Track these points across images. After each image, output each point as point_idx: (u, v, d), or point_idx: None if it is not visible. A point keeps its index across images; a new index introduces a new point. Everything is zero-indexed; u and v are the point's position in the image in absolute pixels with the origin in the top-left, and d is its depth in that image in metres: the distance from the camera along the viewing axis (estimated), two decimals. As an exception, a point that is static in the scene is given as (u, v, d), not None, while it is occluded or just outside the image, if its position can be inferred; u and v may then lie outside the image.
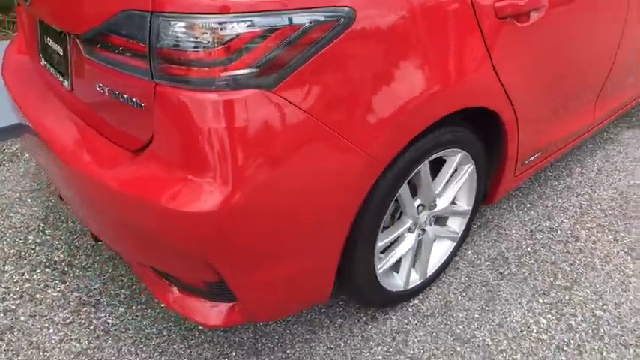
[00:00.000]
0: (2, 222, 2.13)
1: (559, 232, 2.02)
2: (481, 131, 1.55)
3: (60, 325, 1.65)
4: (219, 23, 0.98)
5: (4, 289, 1.80)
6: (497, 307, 1.69)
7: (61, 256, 1.95)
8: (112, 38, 1.10)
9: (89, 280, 1.83)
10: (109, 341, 1.59)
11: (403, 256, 1.57)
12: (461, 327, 1.62)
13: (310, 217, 1.17)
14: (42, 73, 1.62)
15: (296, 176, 1.10)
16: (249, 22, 0.98)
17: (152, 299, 1.74)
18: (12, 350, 1.56)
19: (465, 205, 1.69)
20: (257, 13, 0.99)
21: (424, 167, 1.42)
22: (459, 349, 1.55)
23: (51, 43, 1.49)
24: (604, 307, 1.69)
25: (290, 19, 1.01)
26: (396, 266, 1.59)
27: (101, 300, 1.75)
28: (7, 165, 2.54)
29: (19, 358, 1.54)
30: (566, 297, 1.73)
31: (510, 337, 1.59)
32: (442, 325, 1.63)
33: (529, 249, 1.93)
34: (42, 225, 2.11)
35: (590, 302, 1.71)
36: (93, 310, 1.71)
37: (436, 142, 1.37)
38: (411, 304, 1.71)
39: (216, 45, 0.98)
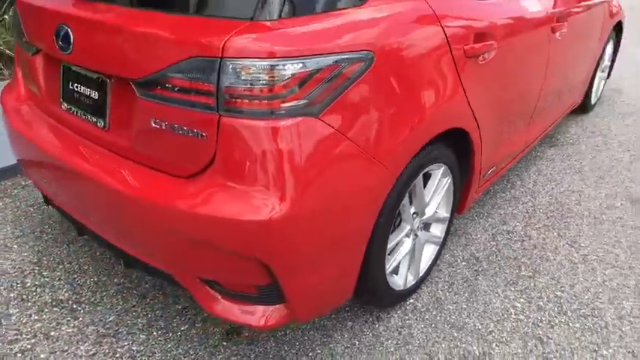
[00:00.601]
0: (5, 265, 2.11)
1: (514, 233, 2.39)
2: (455, 150, 1.87)
3: (84, 358, 1.69)
4: (280, 66, 1.21)
5: (15, 331, 1.80)
6: (479, 298, 1.98)
7: (66, 295, 1.97)
8: (175, 80, 1.28)
9: (102, 314, 1.88)
10: (139, 366, 1.66)
11: (403, 259, 1.82)
12: (454, 317, 1.88)
13: (346, 221, 1.40)
14: (61, 116, 1.72)
15: (335, 186, 1.33)
16: (301, 64, 1.23)
17: (171, 324, 1.83)
18: (41, 386, 1.59)
19: (444, 212, 1.99)
20: (307, 57, 1.23)
21: (419, 180, 1.70)
22: (456, 334, 1.81)
23: (80, 89, 1.62)
24: (562, 289, 2.04)
25: (331, 61, 1.26)
26: (394, 269, 1.83)
27: (120, 330, 1.81)
28: (-19, 215, 2.50)
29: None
30: (532, 284, 2.06)
31: (495, 320, 1.87)
32: (438, 317, 1.88)
33: (494, 249, 2.27)
34: (37, 268, 2.12)
35: (551, 286, 2.05)
36: (114, 340, 1.76)
37: (428, 157, 1.66)
38: (408, 303, 1.95)
39: (276, 83, 1.21)
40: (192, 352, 1.72)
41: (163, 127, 1.35)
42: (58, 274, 2.09)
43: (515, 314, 1.90)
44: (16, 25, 1.93)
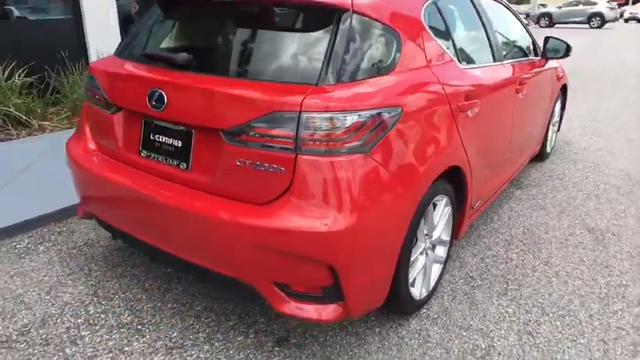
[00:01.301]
0: (55, 300, 2.37)
1: (498, 257, 2.85)
2: (452, 185, 2.35)
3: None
4: (342, 117, 1.67)
5: (91, 349, 2.07)
6: (478, 307, 2.40)
7: (129, 318, 2.26)
8: (259, 129, 1.71)
9: (165, 331, 2.17)
10: (209, 369, 1.96)
11: (418, 274, 2.24)
12: (460, 321, 2.29)
13: (386, 235, 1.82)
14: (139, 162, 2.10)
15: (380, 207, 1.76)
16: (358, 116, 1.70)
17: (228, 336, 2.15)
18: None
19: (446, 236, 2.44)
20: (361, 110, 1.71)
21: (430, 208, 2.16)
22: (464, 333, 2.20)
23: (162, 139, 2.02)
24: (542, 297, 2.49)
25: (377, 114, 1.74)
26: (412, 282, 2.24)
27: (185, 343, 2.11)
28: (26, 257, 2.76)
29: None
30: (518, 294, 2.50)
31: (493, 322, 2.29)
32: (448, 322, 2.28)
33: (484, 269, 2.72)
34: (95, 298, 2.40)
35: (534, 295, 2.50)
36: (182, 351, 2.06)
37: (436, 189, 2.13)
38: (422, 312, 2.34)
39: (339, 130, 1.67)
40: (252, 356, 2.03)
41: (246, 165, 1.76)
42: (116, 302, 2.37)
43: (509, 317, 2.33)
44: (91, 89, 2.33)
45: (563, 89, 4.49)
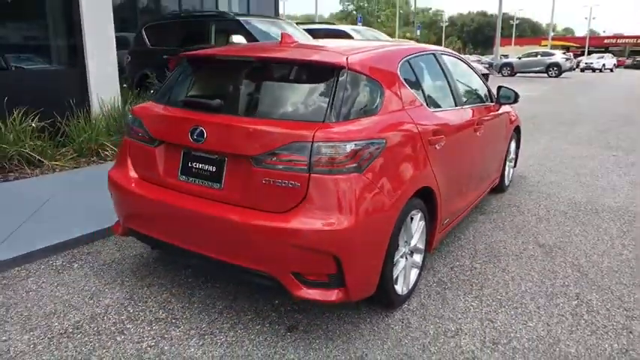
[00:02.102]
0: (98, 303, 2.82)
1: (465, 266, 3.43)
2: (425, 203, 2.94)
3: (196, 347, 2.44)
4: (343, 146, 2.27)
5: (137, 336, 2.52)
6: (449, 302, 2.94)
7: (163, 315, 2.73)
8: (281, 155, 2.29)
9: (195, 324, 2.64)
10: (247, 339, 2.44)
11: (399, 273, 2.79)
12: (434, 312, 2.82)
13: (376, 235, 2.39)
14: (176, 185, 2.64)
15: (372, 212, 2.33)
16: (354, 145, 2.30)
17: (248, 326, 2.63)
18: (172, 363, 2.32)
19: (421, 245, 3.01)
20: (356, 141, 2.31)
21: (408, 219, 2.74)
22: (438, 321, 2.74)
23: (198, 165, 2.57)
24: (500, 295, 3.05)
25: (370, 144, 2.35)
26: (395, 280, 2.78)
27: (213, 331, 2.58)
28: (64, 272, 3.21)
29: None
30: (481, 293, 3.06)
31: (461, 313, 2.83)
32: (425, 313, 2.81)
33: (453, 276, 3.28)
34: (132, 301, 2.86)
35: (493, 293, 3.06)
36: (212, 336, 2.53)
37: (413, 204, 2.71)
38: (403, 306, 2.87)
39: (342, 155, 2.26)
40: (269, 339, 2.52)
41: (270, 183, 2.33)
42: (150, 304, 2.84)
43: (473, 309, 2.88)
44: (134, 127, 2.88)
45: (517, 130, 5.25)
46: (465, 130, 3.50)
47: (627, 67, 52.64)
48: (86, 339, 2.49)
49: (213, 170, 2.53)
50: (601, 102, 15.20)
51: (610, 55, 45.94)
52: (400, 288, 2.80)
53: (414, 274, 2.98)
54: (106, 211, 4.02)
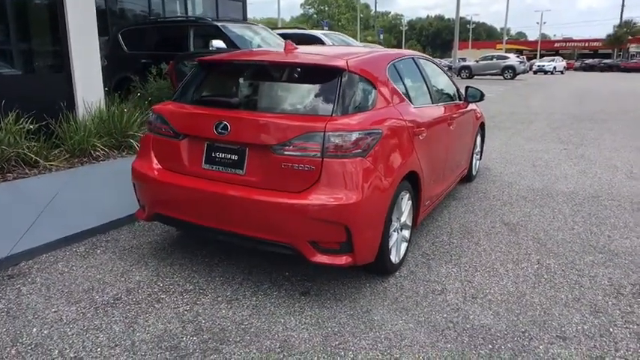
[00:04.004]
0: (130, 280, 3.18)
1: (444, 241, 3.97)
2: (412, 185, 3.45)
3: (226, 310, 2.85)
4: (349, 135, 2.74)
5: (173, 304, 2.91)
6: (433, 269, 3.46)
7: (190, 287, 3.12)
8: (298, 143, 2.74)
9: (221, 292, 3.05)
10: (274, 296, 2.86)
11: (393, 245, 3.28)
12: (422, 277, 3.33)
13: (377, 209, 2.87)
14: (201, 172, 3.04)
15: (374, 189, 2.81)
16: (358, 134, 2.77)
17: (266, 293, 3.05)
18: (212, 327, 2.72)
19: (409, 222, 3.51)
20: (359, 131, 2.79)
21: (399, 198, 3.23)
22: (426, 284, 3.24)
23: (221, 155, 2.98)
24: (475, 262, 3.60)
25: (369, 133, 2.83)
26: (389, 250, 3.26)
27: (238, 297, 2.99)
28: (89, 257, 3.54)
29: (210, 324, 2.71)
30: (459, 262, 3.59)
31: (444, 276, 3.35)
32: (415, 278, 3.31)
33: (434, 249, 3.81)
34: (160, 277, 3.23)
35: (469, 262, 3.60)
36: (238, 301, 2.95)
37: (403, 186, 3.21)
38: (396, 274, 3.37)
39: (348, 142, 2.73)
40: (287, 302, 2.96)
41: (288, 168, 2.77)
42: (176, 279, 3.22)
43: (454, 274, 3.41)
44: (157, 124, 3.25)
45: (482, 126, 5.87)
46: (441, 124, 4.04)
47: (576, 69, 55.63)
48: (128, 307, 2.85)
49: (236, 159, 2.95)
50: (553, 102, 16.33)
51: (560, 58, 48.45)
52: (394, 258, 3.29)
53: (403, 247, 3.48)
54: (113, 204, 4.37)
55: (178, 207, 3.14)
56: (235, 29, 8.73)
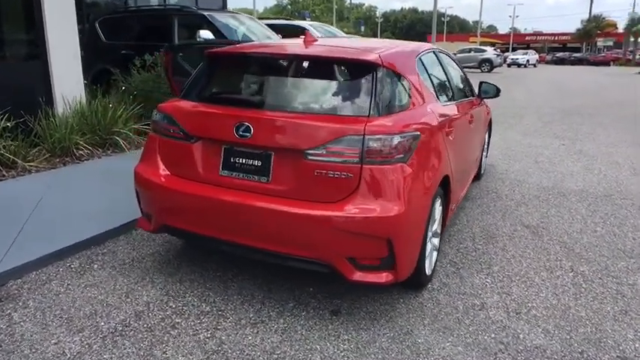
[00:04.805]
0: (137, 301, 2.82)
1: (469, 247, 3.73)
2: (443, 189, 3.19)
3: (252, 335, 2.53)
4: (391, 138, 2.45)
5: (191, 330, 2.57)
6: (466, 280, 3.21)
7: (207, 308, 2.78)
8: (334, 148, 2.43)
9: (243, 313, 2.73)
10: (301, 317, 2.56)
11: (427, 255, 3.01)
12: (457, 290, 3.08)
13: (418, 220, 2.59)
14: (218, 180, 2.70)
15: (415, 198, 2.53)
16: (400, 137, 2.48)
17: (293, 313, 2.75)
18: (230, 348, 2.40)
19: (439, 229, 3.25)
20: (401, 133, 2.49)
21: (435, 205, 2.97)
22: (463, 297, 2.99)
23: (242, 160, 2.65)
24: (507, 271, 3.37)
25: (410, 136, 2.54)
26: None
27: (263, 319, 2.68)
28: (87, 273, 3.16)
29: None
30: (491, 271, 3.36)
31: (480, 289, 3.11)
32: (449, 291, 3.06)
33: (462, 257, 3.57)
34: (171, 297, 2.89)
35: (502, 270, 3.37)
36: (264, 324, 2.63)
37: (438, 191, 2.95)
38: (428, 287, 3.11)
39: (391, 146, 2.44)
40: (318, 323, 2.66)
41: (323, 175, 2.46)
42: (190, 299, 2.88)
43: (489, 285, 3.17)
44: (164, 125, 2.89)
45: (490, 122, 5.66)
46: (464, 123, 3.79)
47: (548, 62, 56.62)
48: (140, 335, 2.51)
49: (259, 164, 2.62)
50: (536, 95, 16.38)
51: (533, 51, 49.21)
52: (427, 269, 3.02)
53: (434, 256, 3.22)
54: (105, 210, 3.97)
55: (191, 218, 2.79)
56: (222, 19, 8.28)
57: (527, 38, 76.29)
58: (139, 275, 3.14)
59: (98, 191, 4.54)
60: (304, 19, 21.85)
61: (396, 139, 2.48)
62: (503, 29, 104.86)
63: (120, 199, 4.28)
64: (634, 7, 63.20)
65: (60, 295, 2.87)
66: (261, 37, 8.49)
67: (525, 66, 43.34)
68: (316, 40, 3.16)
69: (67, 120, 5.96)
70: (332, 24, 61.54)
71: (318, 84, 2.78)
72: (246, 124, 2.58)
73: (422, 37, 78.22)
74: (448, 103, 3.57)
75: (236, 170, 2.68)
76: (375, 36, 75.51)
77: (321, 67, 2.79)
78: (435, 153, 2.88)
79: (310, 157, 2.48)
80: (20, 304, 2.77)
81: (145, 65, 7.68)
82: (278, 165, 2.59)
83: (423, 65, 3.31)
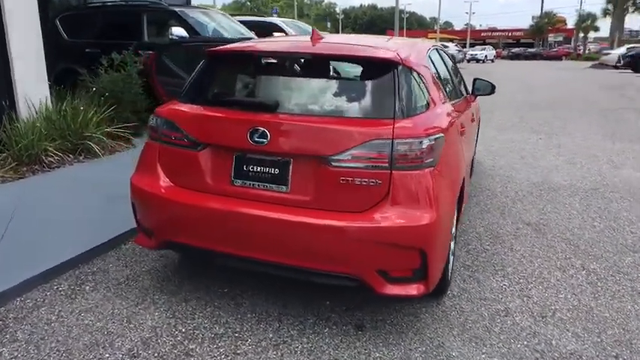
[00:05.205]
0: (141, 326, 2.57)
1: (477, 249, 3.64)
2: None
3: (276, 357, 2.33)
4: (421, 141, 2.29)
5: (208, 356, 2.35)
6: (483, 284, 3.11)
7: (221, 330, 2.56)
8: (360, 153, 2.25)
9: (261, 334, 2.52)
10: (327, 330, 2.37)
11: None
12: (477, 295, 2.97)
13: (448, 226, 2.45)
14: (231, 190, 2.47)
15: (444, 204, 2.39)
16: (428, 140, 2.33)
17: (315, 330, 2.56)
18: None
19: (454, 231, 3.14)
20: (429, 136, 2.34)
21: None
22: (485, 303, 2.89)
23: (257, 169, 2.43)
24: (521, 272, 3.30)
25: (437, 139, 2.39)
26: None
27: (285, 340, 2.48)
28: (78, 297, 2.87)
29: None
30: (505, 272, 3.28)
31: (499, 292, 3.02)
32: (470, 297, 2.95)
33: (473, 258, 3.47)
34: (178, 320, 2.65)
35: (516, 272, 3.30)
36: (287, 345, 2.44)
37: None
38: (448, 293, 2.98)
39: (420, 150, 2.29)
40: (343, 340, 2.49)
41: (349, 182, 2.28)
42: (200, 320, 2.64)
43: (508, 288, 3.08)
44: (164, 131, 2.63)
45: (479, 119, 5.62)
46: (469, 121, 3.70)
47: (504, 57, 58.29)
48: (152, 366, 2.26)
49: (276, 173, 2.42)
50: (504, 90, 16.60)
51: (490, 47, 50.52)
52: (448, 274, 2.90)
53: (451, 260, 3.11)
54: (87, 224, 3.67)
55: (199, 233, 2.55)
56: (194, 15, 7.94)
57: (482, 34, 78.24)
58: (137, 296, 2.87)
59: (75, 202, 4.19)
60: (272, 15, 21.48)
61: (426, 142, 2.33)
62: (458, 25, 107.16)
63: (100, 209, 3.97)
64: (581, 4, 65.94)
65: (52, 324, 2.57)
66: (235, 34, 8.21)
67: (484, 61, 44.43)
68: (323, 38, 2.97)
69: (33, 125, 5.52)
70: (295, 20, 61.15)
71: (336, 84, 2.59)
72: (262, 129, 2.37)
73: (382, 32, 78.89)
74: (455, 101, 3.46)
75: (250, 179, 2.46)
76: (337, 33, 75.62)
77: (338, 66, 2.61)
78: (455, 155, 2.76)
79: (334, 164, 2.30)
80: (8, 336, 2.46)
81: (112, 64, 7.26)
82: (297, 173, 2.39)
83: (432, 63, 3.18)
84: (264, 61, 2.79)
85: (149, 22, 7.95)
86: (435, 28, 66.55)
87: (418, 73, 2.67)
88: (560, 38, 69.87)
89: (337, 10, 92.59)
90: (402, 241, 2.26)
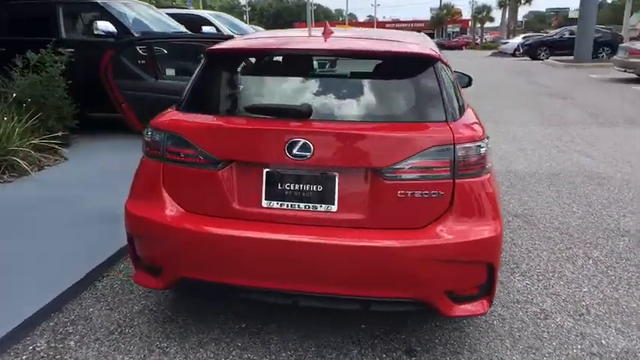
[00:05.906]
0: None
1: (483, 247, 3.55)
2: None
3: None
4: (479, 146, 2.08)
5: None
6: (507, 286, 3.00)
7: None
8: (418, 163, 1.99)
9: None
10: None
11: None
12: (508, 299, 2.85)
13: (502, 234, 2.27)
14: (260, 214, 2.10)
15: (500, 210, 2.20)
16: (485, 144, 2.12)
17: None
18: None
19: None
20: (484, 140, 2.13)
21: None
22: (519, 306, 2.77)
23: (295, 187, 2.08)
24: (536, 267, 3.24)
25: (485, 142, 2.18)
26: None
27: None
28: (67, 354, 2.33)
29: None
30: (521, 270, 3.20)
31: (527, 294, 2.92)
32: (502, 301, 2.81)
33: (484, 258, 3.37)
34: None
35: (532, 269, 3.24)
36: None
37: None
38: (478, 300, 2.83)
39: (479, 156, 2.07)
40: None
41: (408, 196, 2.01)
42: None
43: (532, 288, 3.00)
44: (169, 148, 2.18)
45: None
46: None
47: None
48: None
49: (320, 190, 2.08)
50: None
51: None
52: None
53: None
54: (36, 259, 3.05)
55: (225, 266, 2.14)
56: (118, 7, 7.13)
57: (387, 26, 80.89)
58: (140, 347, 2.38)
59: (19, 235, 3.50)
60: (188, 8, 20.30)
61: (484, 146, 2.12)
62: (362, 17, 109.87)
63: (56, 240, 3.35)
64: (475, -4, 70.89)
65: (45, 400, 2.04)
66: (164, 28, 7.53)
67: (393, 52, 45.77)
68: (333, 32, 2.64)
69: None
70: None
71: (372, 85, 2.29)
72: (304, 140, 2.01)
73: (290, 25, 78.63)
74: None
75: (286, 199, 2.10)
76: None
77: (372, 64, 2.31)
78: (492, 156, 2.58)
79: (390, 176, 2.01)
80: None
81: (28, 65, 6.29)
82: (344, 189, 2.07)
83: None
84: (283, 60, 2.40)
85: (66, 15, 7.02)
86: (341, 19, 67.65)
87: (451, 71, 2.46)
88: (457, 29, 74.40)
89: (242, 1, 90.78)
90: (471, 256, 2.04)
